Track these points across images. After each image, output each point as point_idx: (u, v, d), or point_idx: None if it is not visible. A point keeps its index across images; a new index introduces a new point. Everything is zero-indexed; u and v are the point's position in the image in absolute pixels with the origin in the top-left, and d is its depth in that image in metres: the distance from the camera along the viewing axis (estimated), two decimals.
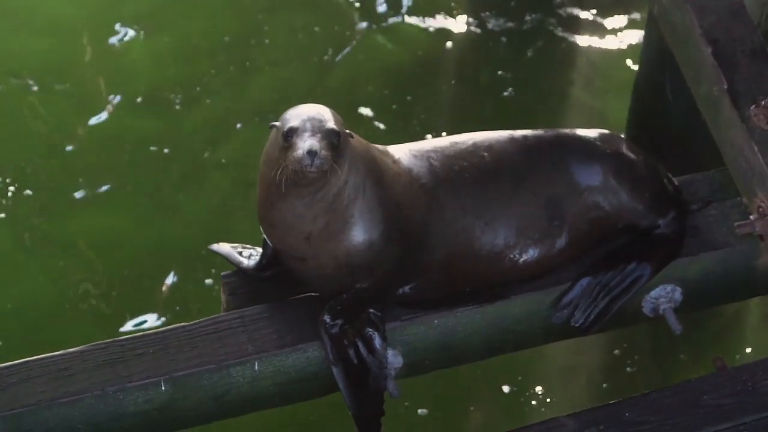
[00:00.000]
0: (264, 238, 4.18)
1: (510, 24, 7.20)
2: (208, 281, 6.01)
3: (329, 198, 3.94)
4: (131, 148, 6.58)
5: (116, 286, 6.02)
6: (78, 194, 6.36)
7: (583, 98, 7.00)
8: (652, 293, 4.28)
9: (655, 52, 5.53)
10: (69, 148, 6.55)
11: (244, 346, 4.03)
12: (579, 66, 7.12)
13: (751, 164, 4.26)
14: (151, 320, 5.90)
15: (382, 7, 7.28)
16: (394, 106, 6.81)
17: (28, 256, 6.11)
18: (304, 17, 7.20)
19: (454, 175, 4.13)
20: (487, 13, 7.23)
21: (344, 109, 4.10)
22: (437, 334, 4.15)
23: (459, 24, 7.22)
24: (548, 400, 5.66)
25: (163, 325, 5.79)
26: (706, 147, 4.89)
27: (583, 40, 7.19)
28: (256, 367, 4.01)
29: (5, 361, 3.98)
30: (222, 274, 4.32)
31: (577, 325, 4.21)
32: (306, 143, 3.80)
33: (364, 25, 7.20)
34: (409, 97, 6.84)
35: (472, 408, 5.68)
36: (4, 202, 6.31)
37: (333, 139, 3.86)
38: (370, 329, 4.03)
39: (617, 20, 7.29)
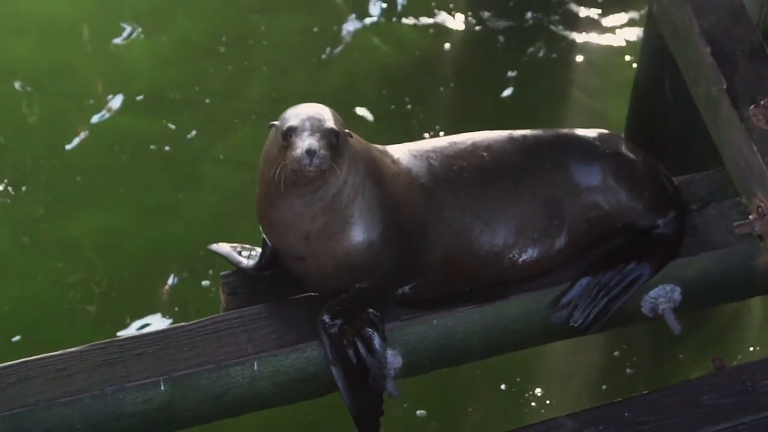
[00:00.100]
0: (263, 238, 4.18)
1: (509, 22, 7.20)
2: (207, 282, 6.01)
3: (328, 197, 3.94)
4: (131, 148, 6.58)
5: (116, 286, 6.02)
6: (78, 194, 6.36)
7: (582, 98, 7.00)
8: (652, 293, 4.28)
9: (654, 52, 5.53)
10: (69, 147, 6.55)
11: (244, 345, 4.03)
12: (578, 65, 7.12)
13: (750, 164, 4.26)
14: (151, 320, 5.90)
15: (380, 7, 7.28)
16: (392, 106, 6.81)
17: (28, 256, 6.11)
18: (302, 17, 7.20)
19: (454, 175, 4.13)
20: (486, 11, 7.22)
21: (342, 109, 4.09)
22: (436, 334, 4.15)
23: (458, 23, 7.22)
24: (547, 400, 5.66)
25: (163, 325, 5.80)
26: (705, 147, 4.89)
27: (582, 39, 7.19)
28: (256, 367, 4.01)
29: (4, 361, 3.98)
30: (221, 273, 4.32)
31: (576, 325, 4.21)
32: (305, 142, 3.80)
33: (363, 24, 7.20)
34: (407, 98, 6.84)
35: (471, 408, 5.68)
36: (3, 202, 6.31)
37: (332, 139, 3.86)
38: (370, 329, 4.03)
39: (617, 18, 7.29)
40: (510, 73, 6.99)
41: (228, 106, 6.79)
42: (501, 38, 7.14)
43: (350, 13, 7.21)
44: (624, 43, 7.18)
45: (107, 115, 6.72)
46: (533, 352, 4.65)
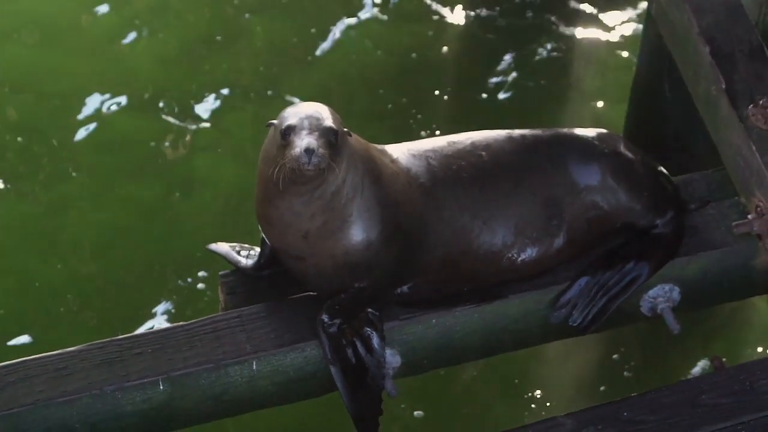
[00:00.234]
0: (262, 237, 4.18)
1: (508, 20, 7.20)
2: (205, 282, 6.01)
3: (327, 196, 3.94)
4: (131, 148, 6.58)
5: (115, 285, 6.02)
6: (78, 194, 6.36)
7: (581, 97, 7.00)
8: (651, 293, 4.28)
9: (653, 51, 5.52)
10: (68, 147, 6.56)
11: (243, 345, 4.03)
12: (577, 64, 7.12)
13: (749, 164, 4.26)
14: (150, 320, 5.90)
15: (377, 6, 7.28)
16: (389, 106, 6.81)
17: (28, 256, 6.11)
18: (297, 18, 7.19)
19: (453, 174, 4.13)
20: (484, 9, 7.22)
21: (339, 109, 4.09)
22: (435, 333, 4.15)
23: (455, 20, 7.22)
24: (546, 400, 5.66)
25: (162, 324, 5.80)
26: (704, 146, 4.89)
27: (582, 38, 7.18)
28: (254, 367, 4.01)
29: (4, 361, 3.98)
30: (220, 273, 4.32)
31: (575, 325, 4.21)
32: (303, 141, 3.80)
33: (359, 24, 7.19)
34: (404, 97, 6.84)
35: (469, 408, 5.68)
36: (3, 201, 6.31)
37: (331, 138, 3.86)
38: (369, 329, 4.03)
39: (617, 16, 7.28)
40: (508, 72, 6.99)
41: (226, 106, 6.79)
42: (499, 37, 7.13)
43: (346, 12, 7.21)
44: (624, 43, 7.17)
45: (107, 115, 6.72)
46: (532, 352, 4.65)
